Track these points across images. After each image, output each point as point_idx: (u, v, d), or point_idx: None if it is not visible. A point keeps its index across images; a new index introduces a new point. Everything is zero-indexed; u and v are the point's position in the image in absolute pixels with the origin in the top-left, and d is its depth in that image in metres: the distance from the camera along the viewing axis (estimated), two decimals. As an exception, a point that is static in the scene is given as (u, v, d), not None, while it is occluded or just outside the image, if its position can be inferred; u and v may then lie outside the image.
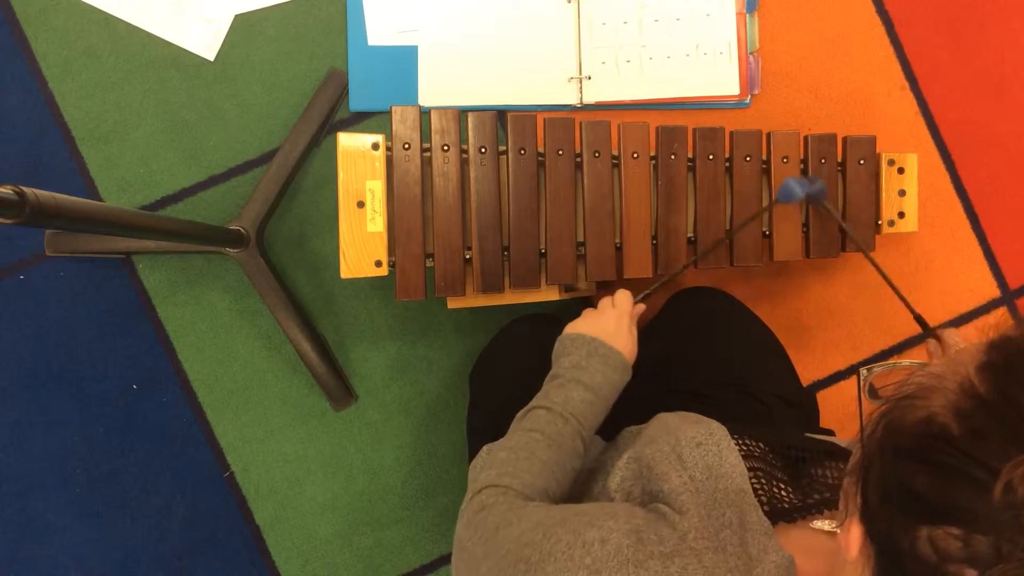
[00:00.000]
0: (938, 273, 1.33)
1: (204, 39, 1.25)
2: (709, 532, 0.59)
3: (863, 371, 0.63)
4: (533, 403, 0.82)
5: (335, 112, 1.26)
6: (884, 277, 0.98)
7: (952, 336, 0.89)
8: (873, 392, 0.59)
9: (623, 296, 0.94)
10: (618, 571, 0.55)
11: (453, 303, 1.11)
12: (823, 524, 0.63)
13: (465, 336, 1.28)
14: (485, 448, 0.88)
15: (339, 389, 1.23)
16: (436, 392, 1.28)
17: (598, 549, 0.56)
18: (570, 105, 1.27)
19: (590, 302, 1.24)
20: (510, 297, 1.07)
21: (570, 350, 0.86)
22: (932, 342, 0.92)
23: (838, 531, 0.53)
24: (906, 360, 0.63)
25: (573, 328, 0.89)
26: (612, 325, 0.89)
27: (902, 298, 0.97)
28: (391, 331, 1.27)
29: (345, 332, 1.27)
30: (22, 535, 1.24)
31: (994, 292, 1.34)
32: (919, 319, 0.95)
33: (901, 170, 1.12)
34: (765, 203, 1.09)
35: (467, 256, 1.02)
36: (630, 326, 0.91)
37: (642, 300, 0.97)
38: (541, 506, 0.66)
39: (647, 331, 1.19)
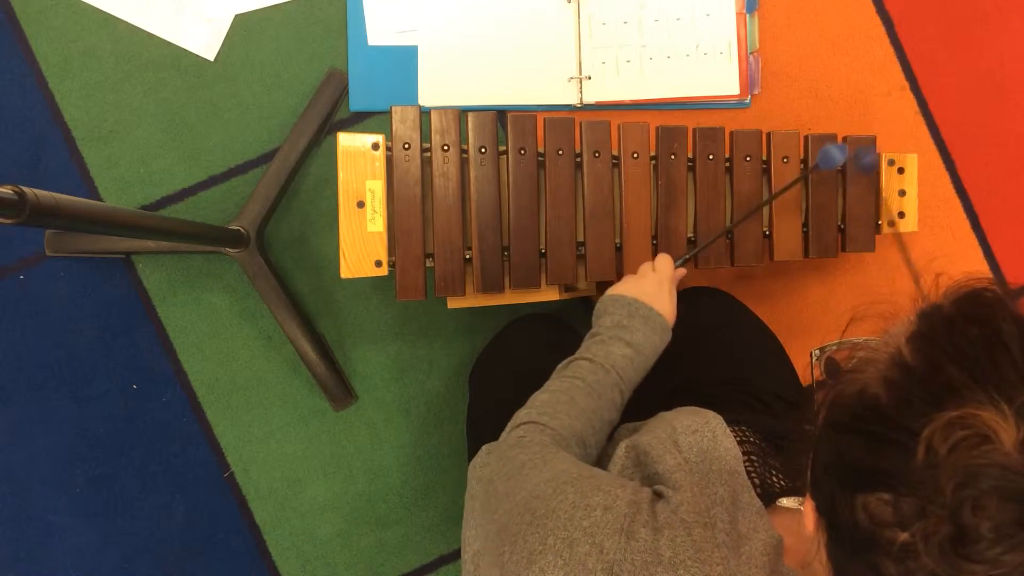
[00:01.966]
0: (938, 272, 1.33)
1: (204, 39, 1.25)
2: (700, 508, 0.60)
3: (814, 352, 0.64)
4: (574, 356, 0.83)
5: (335, 112, 1.26)
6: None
7: None
8: (835, 371, 0.60)
9: (664, 260, 0.95)
10: (610, 538, 0.56)
11: (453, 303, 1.11)
12: (791, 502, 0.65)
13: (465, 336, 1.28)
14: (485, 448, 0.88)
15: (339, 389, 1.23)
16: (436, 392, 1.28)
17: (599, 515, 0.57)
18: (570, 105, 1.27)
19: (592, 300, 1.24)
20: (510, 297, 1.07)
21: (611, 310, 0.87)
22: None
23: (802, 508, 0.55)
24: (856, 338, 0.64)
25: (614, 290, 0.90)
26: (653, 287, 0.90)
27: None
28: (391, 331, 1.27)
29: (345, 332, 1.27)
30: (22, 535, 1.24)
31: (994, 292, 1.34)
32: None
33: (901, 170, 1.12)
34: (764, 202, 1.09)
35: (467, 256, 1.02)
36: (671, 290, 0.92)
37: (682, 264, 0.98)
38: (567, 458, 0.67)
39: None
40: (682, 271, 0.98)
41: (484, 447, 0.88)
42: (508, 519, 0.61)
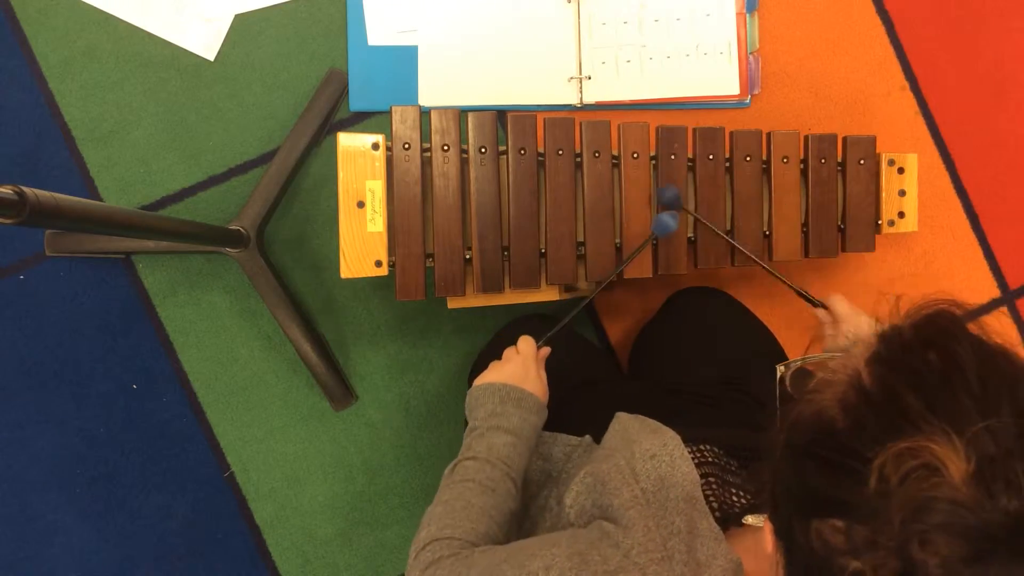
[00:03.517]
0: (938, 273, 1.33)
1: (204, 39, 1.25)
2: (655, 544, 0.60)
3: (780, 367, 0.64)
4: (457, 458, 0.82)
5: (335, 112, 1.26)
6: (766, 268, 1.01)
7: (840, 303, 0.91)
8: (804, 384, 0.60)
9: (526, 342, 0.94)
10: None
11: (453, 303, 1.11)
12: (754, 520, 0.64)
13: (465, 336, 1.28)
14: (449, 467, 0.87)
15: (339, 389, 1.23)
16: (436, 392, 1.28)
17: None
18: (570, 105, 1.27)
19: (593, 300, 1.23)
20: (510, 297, 1.07)
21: (483, 401, 0.86)
22: (822, 312, 0.95)
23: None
24: (821, 354, 0.63)
25: (481, 380, 0.89)
26: (520, 370, 0.89)
27: (778, 276, 0.99)
28: (391, 331, 1.27)
29: (345, 332, 1.27)
30: (22, 535, 1.24)
31: (994, 292, 1.34)
32: (802, 293, 0.98)
33: (901, 170, 1.12)
34: (767, 203, 1.09)
35: (467, 256, 1.02)
36: (538, 369, 0.91)
37: (545, 343, 0.96)
38: (487, 549, 0.67)
39: (647, 331, 1.19)
40: (546, 350, 0.96)
41: (447, 468, 0.86)
42: None
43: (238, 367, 1.26)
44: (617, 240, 1.06)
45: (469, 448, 0.82)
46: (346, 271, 0.99)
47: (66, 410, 1.24)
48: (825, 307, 0.94)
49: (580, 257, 1.06)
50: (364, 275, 0.99)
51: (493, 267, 1.03)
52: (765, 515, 0.63)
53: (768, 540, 0.50)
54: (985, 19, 1.32)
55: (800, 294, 0.97)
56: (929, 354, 0.44)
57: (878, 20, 1.32)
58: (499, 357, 1.06)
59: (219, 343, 1.25)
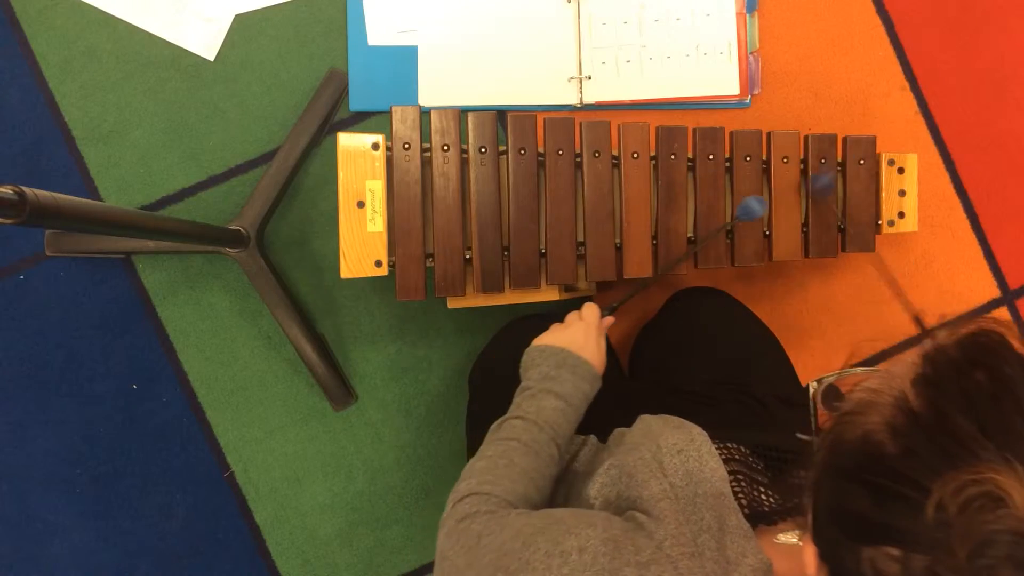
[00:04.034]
0: (938, 273, 1.33)
1: (204, 39, 1.25)
2: (686, 538, 0.59)
3: (812, 383, 0.63)
4: (506, 415, 0.82)
5: (335, 112, 1.26)
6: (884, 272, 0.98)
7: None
8: (837, 398, 0.59)
9: (590, 309, 0.94)
10: None
11: (453, 303, 1.11)
12: (788, 537, 0.63)
13: (465, 336, 1.28)
14: (496, 423, 0.88)
15: (339, 389, 1.23)
16: (436, 392, 1.28)
17: (576, 558, 0.56)
18: (570, 105, 1.27)
19: (594, 299, 1.23)
20: (510, 297, 1.07)
21: (538, 362, 0.86)
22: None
23: (800, 544, 0.53)
24: (857, 369, 0.62)
25: (541, 340, 0.89)
26: (580, 337, 0.89)
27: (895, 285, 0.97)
28: (391, 331, 1.27)
29: (345, 332, 1.27)
30: (22, 535, 1.24)
31: (994, 292, 1.34)
32: (918, 320, 0.95)
33: (901, 170, 1.12)
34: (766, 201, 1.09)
35: (467, 256, 1.02)
36: (598, 338, 0.91)
37: (610, 313, 0.97)
38: (522, 513, 0.66)
39: (646, 331, 1.19)
40: (610, 319, 0.96)
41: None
42: None
43: (238, 367, 1.26)
44: (617, 240, 1.06)
45: (518, 407, 0.82)
46: (346, 271, 0.99)
47: (66, 410, 1.24)
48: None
49: (580, 257, 1.06)
50: (364, 275, 0.99)
51: (493, 267, 1.03)
52: (796, 532, 0.63)
53: (810, 563, 0.49)
54: (985, 19, 1.32)
55: (917, 321, 0.96)
56: (977, 374, 0.43)
57: (878, 20, 1.32)
58: (499, 357, 1.07)
59: (219, 343, 1.25)
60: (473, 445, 1.00)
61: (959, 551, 0.39)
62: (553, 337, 0.89)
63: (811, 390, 0.62)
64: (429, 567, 1.28)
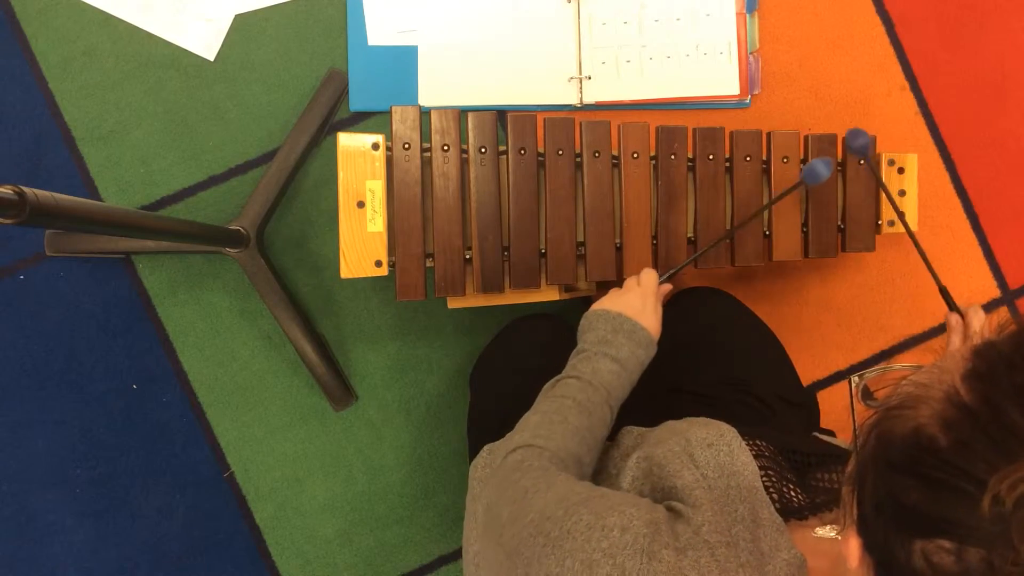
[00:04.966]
0: (938, 273, 1.33)
1: (204, 39, 1.25)
2: (722, 527, 0.59)
3: (854, 378, 0.63)
4: (562, 374, 0.82)
5: (335, 112, 1.26)
6: (920, 252, 0.99)
7: (978, 317, 0.90)
8: (868, 395, 0.59)
9: (649, 275, 0.94)
10: (632, 559, 0.55)
11: (453, 303, 1.11)
12: (826, 531, 0.63)
13: (465, 336, 1.28)
14: (486, 448, 0.88)
15: (339, 389, 1.23)
16: (436, 392, 1.28)
17: (617, 535, 0.56)
18: (570, 105, 1.27)
19: (593, 299, 1.24)
20: (510, 297, 1.07)
21: (596, 325, 0.86)
22: (953, 316, 0.94)
23: (839, 538, 0.53)
24: (897, 364, 0.62)
25: (599, 305, 0.90)
26: (638, 302, 0.89)
27: (931, 269, 0.98)
28: (391, 331, 1.27)
29: (345, 332, 1.27)
30: (22, 535, 1.24)
31: (994, 292, 1.34)
32: (944, 292, 0.97)
33: (901, 170, 1.12)
34: (766, 201, 1.09)
35: (467, 256, 1.02)
36: (655, 304, 0.91)
37: (667, 279, 0.98)
38: (570, 479, 0.66)
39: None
40: (667, 286, 0.97)
41: (485, 447, 0.88)
42: (518, 543, 0.60)
43: (238, 367, 1.26)
44: (617, 240, 1.06)
45: (574, 368, 0.82)
46: (346, 271, 0.99)
47: (66, 410, 1.24)
48: (962, 315, 0.93)
49: (580, 257, 1.06)
50: (364, 275, 0.99)
51: (493, 267, 1.03)
52: (833, 526, 0.62)
53: (853, 556, 0.49)
54: (985, 19, 1.32)
55: (943, 292, 0.96)
56: None
57: (878, 20, 1.32)
58: (499, 357, 1.07)
59: (219, 343, 1.25)
60: (474, 445, 1.00)
61: (1019, 544, 0.39)
62: (611, 302, 0.90)
63: (852, 385, 0.62)
64: (429, 567, 1.28)
